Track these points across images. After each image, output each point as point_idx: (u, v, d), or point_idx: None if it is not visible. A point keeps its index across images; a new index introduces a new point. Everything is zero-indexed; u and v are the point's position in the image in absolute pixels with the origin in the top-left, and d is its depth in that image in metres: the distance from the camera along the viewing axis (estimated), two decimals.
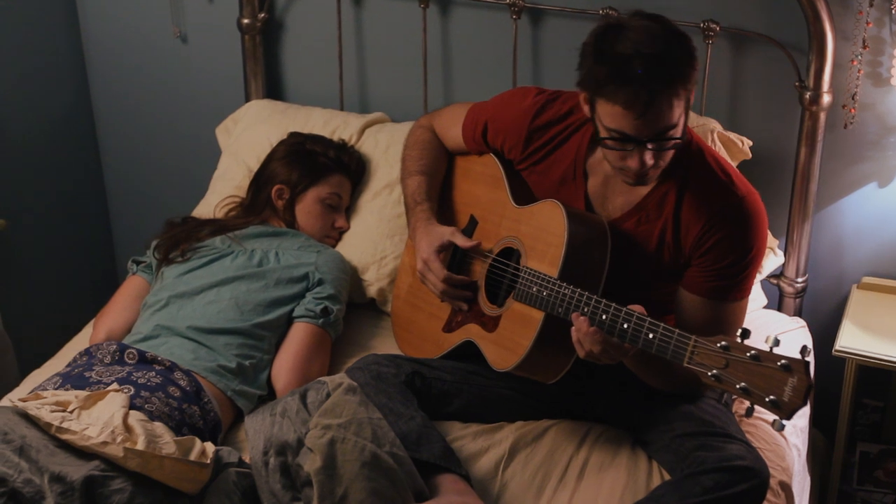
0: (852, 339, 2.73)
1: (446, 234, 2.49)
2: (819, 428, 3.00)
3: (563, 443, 2.39)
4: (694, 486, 2.13)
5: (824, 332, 2.93)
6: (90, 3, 3.50)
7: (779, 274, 2.93)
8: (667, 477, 2.29)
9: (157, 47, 3.45)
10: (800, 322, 2.90)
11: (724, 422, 2.28)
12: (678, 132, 2.13)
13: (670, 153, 2.18)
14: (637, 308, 2.14)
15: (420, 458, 2.21)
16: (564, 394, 2.42)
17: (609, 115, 2.12)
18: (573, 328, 2.18)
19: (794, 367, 1.92)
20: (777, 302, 2.96)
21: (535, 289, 2.28)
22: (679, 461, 2.23)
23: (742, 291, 2.29)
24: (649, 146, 2.12)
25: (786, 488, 2.34)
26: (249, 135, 3.13)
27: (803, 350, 1.93)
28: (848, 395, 2.77)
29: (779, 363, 1.93)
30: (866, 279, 2.93)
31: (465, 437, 2.39)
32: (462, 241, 2.47)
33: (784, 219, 2.86)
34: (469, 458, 2.33)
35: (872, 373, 2.82)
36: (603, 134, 2.16)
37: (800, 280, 2.92)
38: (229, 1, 3.27)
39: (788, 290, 2.93)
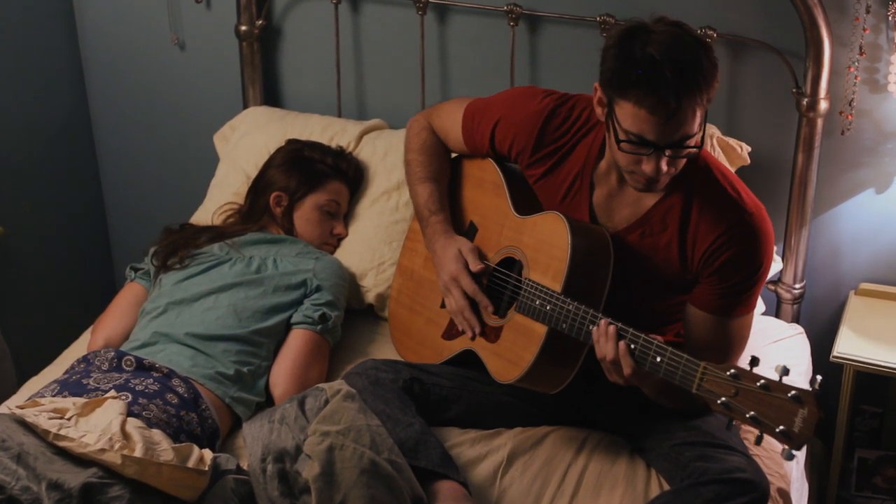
0: (850, 346, 2.73)
1: (465, 246, 2.47)
2: (817, 434, 2.99)
3: (561, 449, 2.38)
4: (694, 497, 2.13)
5: (822, 338, 2.93)
6: (88, 12, 3.50)
7: (776, 280, 2.93)
8: (665, 485, 2.29)
9: (154, 55, 3.46)
10: (797, 328, 2.90)
11: (725, 433, 2.27)
12: (696, 141, 2.12)
13: (683, 161, 2.17)
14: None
15: (418, 465, 2.21)
16: (563, 401, 2.42)
17: (631, 118, 2.10)
18: (604, 355, 2.16)
19: (804, 398, 1.91)
20: (775, 308, 2.96)
21: (538, 302, 2.28)
22: (678, 470, 2.23)
23: (749, 306, 2.29)
24: (667, 152, 2.12)
25: (784, 495, 2.33)
26: (247, 142, 3.13)
27: (813, 381, 1.92)
28: (846, 401, 2.77)
29: (789, 394, 1.92)
30: (864, 285, 2.93)
31: (464, 444, 2.39)
32: (473, 263, 2.45)
33: (782, 225, 2.86)
34: (467, 465, 2.33)
35: (870, 379, 2.82)
36: (621, 136, 2.14)
37: (797, 286, 2.92)
38: (227, 8, 3.27)
39: (786, 296, 2.93)
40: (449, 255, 2.48)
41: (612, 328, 2.14)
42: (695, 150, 2.14)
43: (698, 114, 2.09)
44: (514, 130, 2.43)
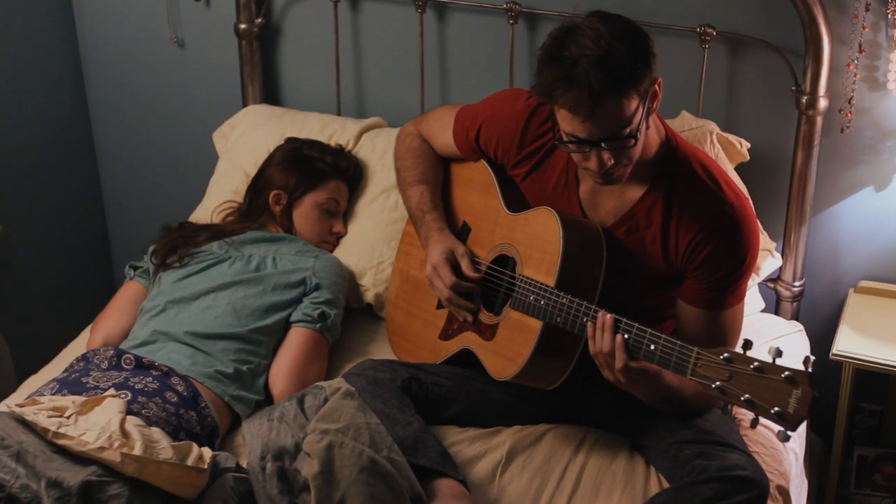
0: (849, 343, 2.73)
1: (459, 249, 2.47)
2: (816, 432, 3.00)
3: (560, 447, 2.39)
4: (694, 494, 2.13)
5: (821, 336, 2.94)
6: (87, 10, 3.50)
7: (776, 278, 2.93)
8: (664, 482, 2.29)
9: (154, 53, 3.45)
10: (797, 326, 2.90)
11: (725, 431, 2.28)
12: (633, 129, 2.10)
13: (634, 150, 2.15)
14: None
15: (417, 463, 2.21)
16: (562, 398, 2.42)
17: (562, 119, 2.12)
18: (599, 349, 2.15)
19: (798, 378, 1.92)
20: (774, 306, 2.96)
21: (532, 297, 2.28)
22: (678, 468, 2.23)
23: (738, 296, 2.29)
24: (604, 146, 2.11)
25: (783, 493, 2.34)
26: (246, 140, 3.13)
27: (806, 361, 1.93)
28: (845, 398, 2.77)
29: (783, 375, 1.93)
30: (863, 283, 2.93)
31: (463, 442, 2.39)
32: (466, 267, 2.45)
33: (781, 222, 2.86)
34: (466, 463, 2.33)
35: (870, 376, 2.82)
36: (560, 136, 2.16)
37: (797, 284, 2.92)
38: (226, 6, 3.27)
39: (785, 293, 2.93)
40: (438, 248, 2.48)
41: (608, 317, 2.14)
42: (631, 139, 2.11)
43: (626, 104, 2.07)
44: (498, 133, 2.44)
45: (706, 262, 2.23)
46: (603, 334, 2.14)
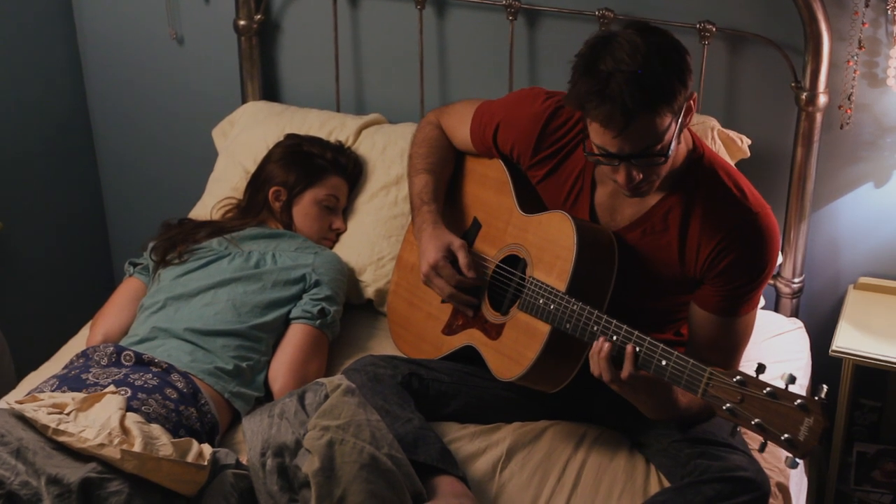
0: (849, 340, 2.73)
1: (455, 243, 2.47)
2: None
3: (560, 444, 2.39)
4: (695, 494, 2.13)
5: (821, 332, 2.94)
6: (86, 6, 3.50)
7: (776, 274, 2.93)
8: (664, 481, 2.29)
9: (153, 49, 3.45)
10: (797, 323, 2.90)
11: (727, 431, 2.27)
12: (664, 147, 2.09)
13: (663, 167, 2.15)
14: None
15: (417, 459, 2.21)
16: (563, 396, 2.42)
17: (593, 132, 2.11)
18: (600, 372, 2.16)
19: (811, 407, 1.91)
20: (774, 302, 2.96)
21: (541, 301, 2.27)
22: (678, 467, 2.23)
23: (752, 303, 2.29)
24: (633, 161, 2.10)
25: (783, 490, 2.34)
26: (246, 136, 3.13)
27: (819, 390, 1.92)
28: (845, 395, 2.78)
29: (796, 402, 1.92)
30: (863, 279, 2.93)
31: (463, 438, 2.39)
32: (463, 260, 2.45)
33: (781, 219, 2.86)
34: (466, 459, 2.33)
35: (869, 373, 2.83)
36: (589, 148, 2.15)
37: (796, 280, 2.92)
38: (225, 3, 3.27)
39: (785, 290, 2.93)
40: (433, 245, 2.47)
41: (606, 346, 2.14)
42: (661, 157, 2.10)
43: (658, 121, 2.05)
44: (515, 134, 2.43)
45: (726, 271, 2.23)
46: (598, 361, 2.15)
